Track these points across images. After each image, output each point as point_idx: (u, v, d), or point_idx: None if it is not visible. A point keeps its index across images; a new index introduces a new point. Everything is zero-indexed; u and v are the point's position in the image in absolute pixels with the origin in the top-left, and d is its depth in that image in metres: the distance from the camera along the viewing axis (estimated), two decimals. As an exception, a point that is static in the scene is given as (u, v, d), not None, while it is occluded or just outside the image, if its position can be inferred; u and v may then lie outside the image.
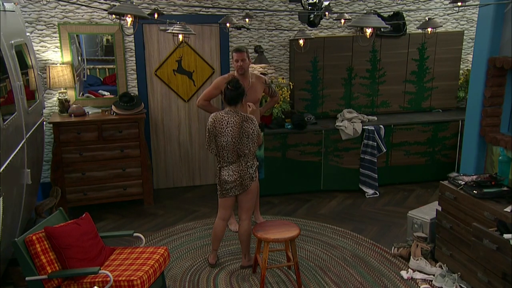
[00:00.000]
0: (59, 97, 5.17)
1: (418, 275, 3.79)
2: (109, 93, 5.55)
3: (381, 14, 5.54)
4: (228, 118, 3.62)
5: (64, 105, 5.14)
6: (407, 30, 5.95)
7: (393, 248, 4.18)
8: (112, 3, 3.04)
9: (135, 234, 3.54)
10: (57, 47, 5.19)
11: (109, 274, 2.94)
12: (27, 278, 2.98)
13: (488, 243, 2.87)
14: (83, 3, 4.36)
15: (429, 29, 4.05)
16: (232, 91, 3.60)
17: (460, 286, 3.52)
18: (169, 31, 3.86)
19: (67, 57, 5.20)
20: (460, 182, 3.60)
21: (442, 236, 3.76)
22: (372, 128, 5.51)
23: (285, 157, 5.46)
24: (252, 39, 5.78)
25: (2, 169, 2.90)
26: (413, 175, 5.90)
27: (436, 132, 5.81)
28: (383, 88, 5.99)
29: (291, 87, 5.72)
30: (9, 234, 3.18)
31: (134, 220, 5.02)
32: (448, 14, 6.07)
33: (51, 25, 5.15)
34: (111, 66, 5.50)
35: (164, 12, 4.61)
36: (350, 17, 4.50)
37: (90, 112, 5.21)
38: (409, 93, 6.08)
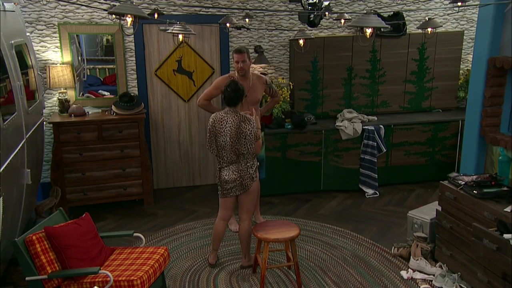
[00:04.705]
0: (59, 97, 5.17)
1: (418, 275, 3.79)
2: (109, 93, 5.55)
3: (381, 14, 5.53)
4: (227, 118, 3.64)
5: (64, 105, 5.14)
6: (407, 30, 5.95)
7: (393, 248, 4.18)
8: (112, 3, 3.04)
9: (135, 234, 3.54)
10: (57, 47, 5.19)
11: (109, 274, 2.94)
12: (27, 278, 2.98)
13: (488, 243, 2.87)
14: (83, 3, 4.36)
15: (429, 29, 4.05)
16: (231, 93, 3.64)
17: (460, 286, 3.52)
18: (169, 31, 3.86)
19: (67, 57, 5.20)
20: (460, 182, 3.59)
21: (442, 236, 3.76)
22: (372, 128, 5.51)
23: (285, 157, 5.45)
24: (252, 39, 5.78)
25: (2, 169, 2.90)
26: (413, 175, 5.90)
27: (436, 132, 5.81)
28: (383, 88, 5.99)
29: (291, 87, 5.72)
30: (9, 234, 3.18)
31: (134, 220, 5.02)
32: (448, 14, 6.07)
33: (51, 25, 5.15)
34: (111, 66, 5.50)
35: (164, 12, 4.61)
36: (350, 17, 4.50)
37: (90, 112, 5.21)
38: (409, 93, 6.08)
